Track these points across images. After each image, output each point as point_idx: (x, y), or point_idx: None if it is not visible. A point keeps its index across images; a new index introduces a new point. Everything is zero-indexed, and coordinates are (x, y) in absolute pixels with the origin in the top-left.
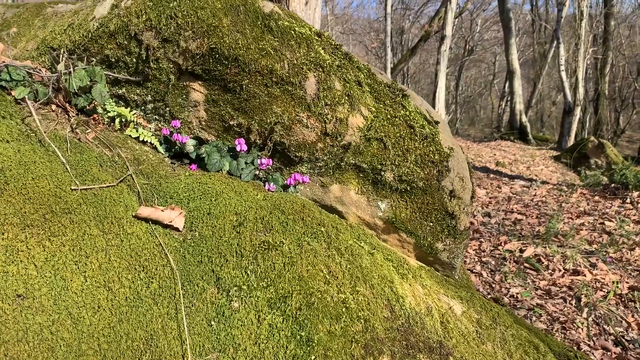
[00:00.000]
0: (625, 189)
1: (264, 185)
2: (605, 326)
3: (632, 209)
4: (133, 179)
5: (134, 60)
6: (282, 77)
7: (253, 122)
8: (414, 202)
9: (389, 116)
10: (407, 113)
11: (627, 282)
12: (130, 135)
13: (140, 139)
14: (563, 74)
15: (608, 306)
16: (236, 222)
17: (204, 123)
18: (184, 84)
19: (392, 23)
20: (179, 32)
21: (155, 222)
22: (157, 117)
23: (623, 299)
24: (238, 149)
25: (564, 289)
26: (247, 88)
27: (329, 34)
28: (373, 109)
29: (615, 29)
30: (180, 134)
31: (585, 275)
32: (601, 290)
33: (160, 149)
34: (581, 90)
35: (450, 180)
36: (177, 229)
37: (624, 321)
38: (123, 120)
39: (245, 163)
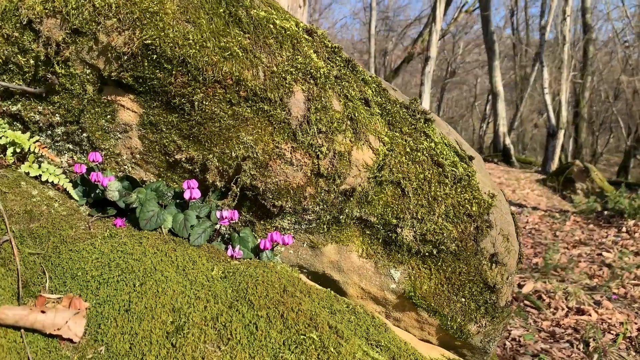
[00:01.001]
0: (620, 217)
1: (226, 250)
2: None
3: (629, 239)
4: (12, 247)
5: (32, 61)
6: (256, 91)
7: (211, 156)
8: (441, 271)
9: (408, 149)
10: (433, 145)
11: (635, 323)
12: (27, 174)
13: (44, 179)
14: (547, 97)
15: (619, 352)
16: (172, 327)
17: (138, 156)
18: (109, 98)
19: (376, 44)
20: (97, 20)
21: (32, 330)
22: (70, 147)
23: (633, 343)
24: (187, 195)
25: (569, 330)
26: (202, 106)
27: (324, 32)
28: (386, 138)
29: (594, 56)
30: (104, 171)
31: (590, 315)
32: (609, 332)
33: (74, 193)
34: (564, 113)
35: (491, 240)
36: (70, 340)
37: None
38: (18, 150)
39: (198, 217)
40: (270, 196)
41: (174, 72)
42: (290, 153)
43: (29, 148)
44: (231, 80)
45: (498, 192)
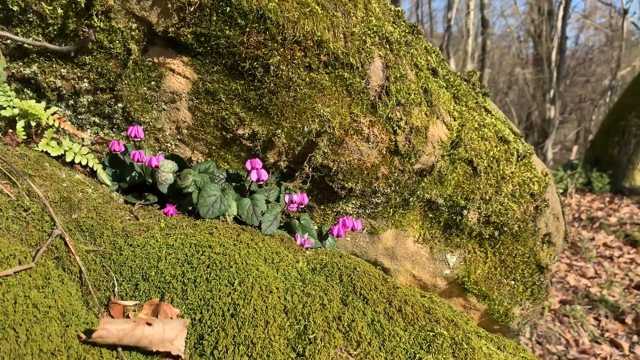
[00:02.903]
0: None
1: (296, 239)
2: (548, 345)
3: None
4: (67, 245)
5: (60, 11)
6: (337, 54)
7: (279, 131)
8: (497, 254)
9: (476, 125)
10: (494, 121)
11: (556, 296)
12: (47, 153)
13: (68, 159)
14: None
15: (547, 323)
16: (292, 332)
17: (185, 132)
18: (155, 61)
19: None
20: None
21: (132, 348)
22: (96, 121)
23: (557, 314)
24: (254, 177)
25: None
26: (278, 71)
27: None
28: (455, 113)
29: (491, 50)
30: (142, 150)
31: None
32: None
33: (104, 177)
34: None
35: (545, 219)
36: (176, 358)
37: (562, 338)
38: (32, 124)
39: (267, 202)
40: (341, 177)
41: (247, 30)
42: (368, 128)
43: (47, 121)
44: (312, 41)
45: (549, 171)
